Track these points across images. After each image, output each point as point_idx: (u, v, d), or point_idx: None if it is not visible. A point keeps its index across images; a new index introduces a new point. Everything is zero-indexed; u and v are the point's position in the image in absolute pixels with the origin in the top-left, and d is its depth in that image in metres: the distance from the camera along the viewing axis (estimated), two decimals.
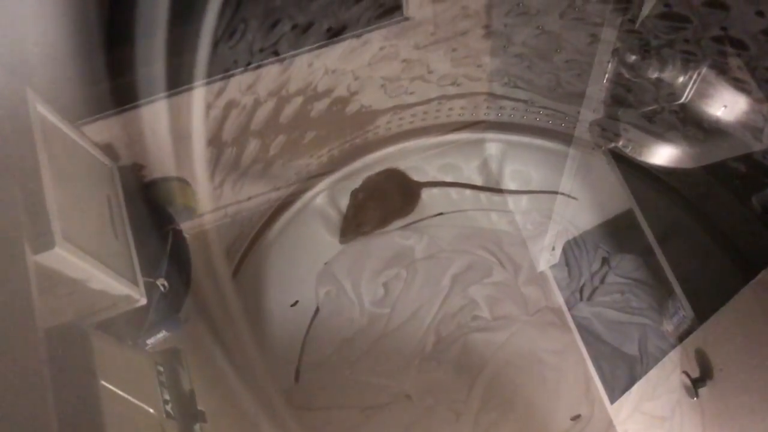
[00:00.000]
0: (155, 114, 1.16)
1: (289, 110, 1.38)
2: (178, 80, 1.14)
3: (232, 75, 1.19)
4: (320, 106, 1.44)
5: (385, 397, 1.48)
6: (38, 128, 0.90)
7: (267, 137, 1.41)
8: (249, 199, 1.53)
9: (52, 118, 0.96)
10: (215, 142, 1.29)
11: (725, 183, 1.31)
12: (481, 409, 1.44)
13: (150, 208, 1.27)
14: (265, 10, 1.11)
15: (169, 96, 1.15)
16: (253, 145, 1.39)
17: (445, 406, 1.46)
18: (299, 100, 1.37)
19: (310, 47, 1.24)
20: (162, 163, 1.26)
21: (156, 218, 1.28)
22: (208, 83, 1.16)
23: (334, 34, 1.26)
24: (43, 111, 0.94)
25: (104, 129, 1.11)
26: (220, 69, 1.16)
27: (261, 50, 1.18)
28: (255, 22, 1.10)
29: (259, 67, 1.21)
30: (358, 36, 1.29)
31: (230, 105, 1.26)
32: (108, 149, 1.13)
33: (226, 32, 1.10)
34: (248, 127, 1.33)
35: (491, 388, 1.47)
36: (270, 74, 1.24)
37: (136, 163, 1.22)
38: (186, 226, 1.42)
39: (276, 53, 1.22)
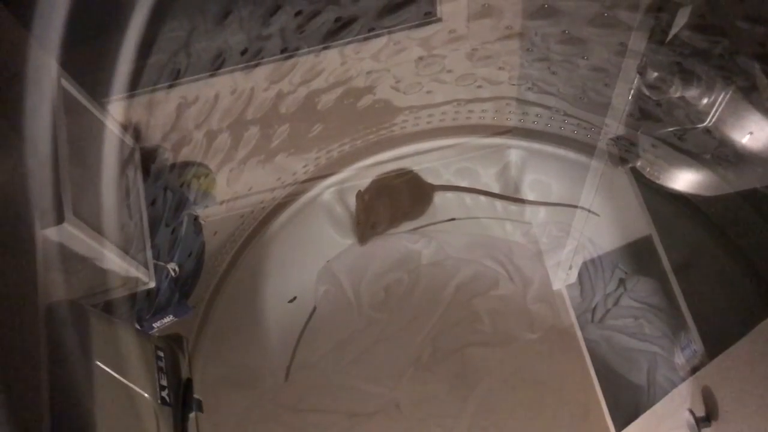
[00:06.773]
0: (181, 97, 1.14)
1: (291, 100, 1.34)
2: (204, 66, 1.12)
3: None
4: (327, 98, 1.39)
5: (375, 405, 1.43)
6: (60, 103, 0.89)
7: (268, 127, 1.36)
8: (249, 190, 1.50)
9: (76, 93, 0.95)
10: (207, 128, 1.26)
11: (758, 208, 1.21)
12: (472, 428, 1.37)
13: (169, 192, 1.26)
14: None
15: (193, 81, 1.13)
16: (251, 133, 1.35)
17: (434, 420, 1.39)
18: (303, 90, 1.33)
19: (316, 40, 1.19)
20: (185, 148, 1.24)
21: (174, 202, 1.28)
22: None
23: (343, 25, 1.21)
24: (67, 86, 0.93)
25: (129, 109, 1.09)
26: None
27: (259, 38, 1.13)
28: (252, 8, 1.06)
29: (259, 58, 1.17)
30: (369, 30, 1.24)
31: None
32: (132, 129, 1.12)
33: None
34: (244, 116, 1.29)
35: (485, 405, 1.40)
36: (270, 65, 1.20)
37: (159, 145, 1.20)
38: (203, 213, 1.40)
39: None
